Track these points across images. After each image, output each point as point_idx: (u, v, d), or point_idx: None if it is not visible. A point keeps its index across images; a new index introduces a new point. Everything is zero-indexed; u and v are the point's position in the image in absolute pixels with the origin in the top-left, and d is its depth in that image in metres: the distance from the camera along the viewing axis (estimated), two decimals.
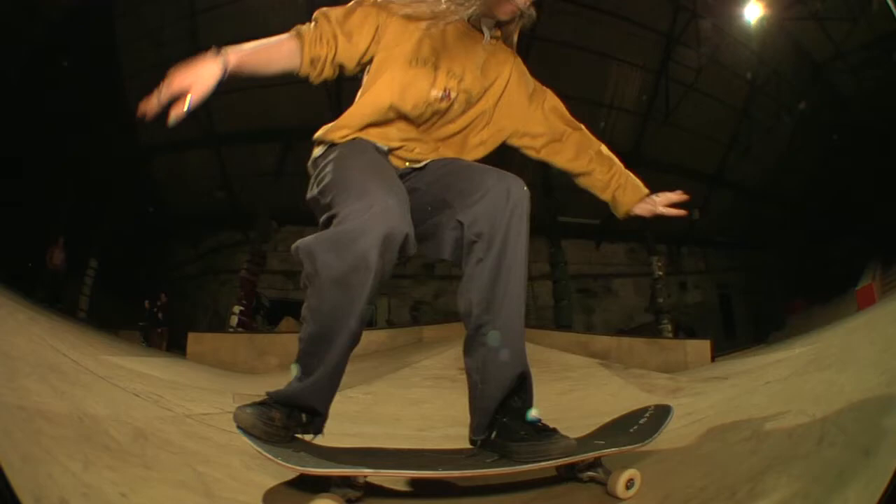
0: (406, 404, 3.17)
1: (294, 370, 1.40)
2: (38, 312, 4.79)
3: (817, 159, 6.95)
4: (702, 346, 6.40)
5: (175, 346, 6.90)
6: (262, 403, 1.38)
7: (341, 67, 1.55)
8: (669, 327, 7.09)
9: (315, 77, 1.54)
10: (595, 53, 7.81)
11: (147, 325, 7.06)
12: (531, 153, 1.72)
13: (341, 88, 7.91)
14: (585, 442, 1.54)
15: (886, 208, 5.68)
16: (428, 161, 1.56)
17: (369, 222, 1.23)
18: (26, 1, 5.83)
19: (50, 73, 6.06)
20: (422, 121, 1.54)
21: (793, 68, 7.06)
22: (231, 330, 6.98)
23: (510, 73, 1.63)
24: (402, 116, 1.52)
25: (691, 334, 7.39)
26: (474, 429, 1.48)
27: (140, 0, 6.89)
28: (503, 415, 1.44)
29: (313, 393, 1.38)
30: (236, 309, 7.05)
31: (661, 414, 1.69)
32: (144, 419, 2.17)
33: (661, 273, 7.25)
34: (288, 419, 1.37)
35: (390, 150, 1.55)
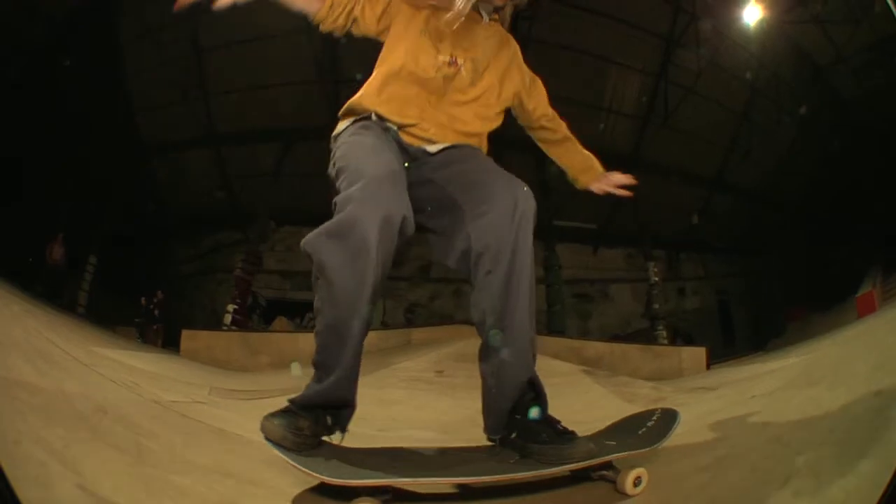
0: (375, 404, 3.14)
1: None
2: (36, 307, 4.85)
3: (818, 163, 6.82)
4: (697, 354, 6.28)
5: (171, 344, 6.95)
6: (287, 412, 1.40)
7: (354, 22, 1.65)
8: (665, 334, 6.99)
9: (329, 22, 1.62)
10: (595, 56, 7.78)
11: (143, 322, 7.14)
12: (527, 128, 1.85)
13: (339, 90, 8.00)
14: (598, 443, 1.55)
15: (888, 214, 5.56)
16: (442, 147, 1.61)
17: (367, 208, 1.29)
18: (27, 0, 5.95)
19: (50, 72, 6.17)
20: (434, 87, 1.61)
21: (793, 71, 6.95)
22: (225, 328, 7.03)
23: (512, 53, 1.75)
24: (416, 82, 1.60)
25: (689, 341, 7.28)
26: (491, 428, 1.54)
27: (141, 0, 6.98)
28: (522, 416, 1.50)
29: (340, 385, 1.40)
30: (230, 307, 7.10)
31: (668, 418, 1.70)
32: (112, 399, 2.26)
33: (656, 279, 7.16)
34: (316, 426, 1.40)
35: (404, 127, 1.59)
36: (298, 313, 8.08)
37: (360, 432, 2.52)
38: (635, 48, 7.66)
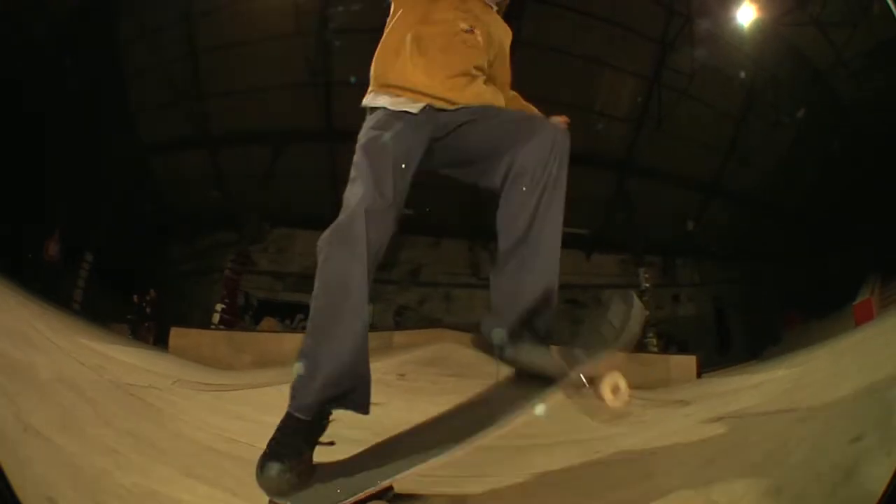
0: None
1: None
2: (33, 301, 4.94)
3: (817, 167, 6.61)
4: (687, 362, 6.09)
5: (162, 342, 7.01)
6: (268, 459, 1.34)
7: None
8: (655, 341, 6.79)
9: None
10: (590, 60, 7.71)
11: (135, 319, 7.23)
12: None
13: (331, 94, 8.07)
14: (568, 356, 1.54)
15: (887, 219, 5.36)
16: (461, 105, 1.66)
17: (359, 206, 1.45)
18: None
19: (52, 71, 6.34)
20: (454, 50, 1.70)
21: (792, 74, 6.76)
22: (213, 327, 7.08)
23: (508, 37, 1.92)
24: (439, 45, 1.69)
25: (684, 348, 7.09)
26: (503, 325, 1.58)
27: (141, 1, 7.15)
28: (529, 324, 1.55)
29: (340, 355, 1.40)
30: (219, 307, 7.17)
31: (625, 308, 1.63)
32: (74, 376, 2.49)
33: (647, 285, 6.98)
34: (300, 457, 1.35)
35: (425, 89, 1.65)
36: (289, 314, 8.11)
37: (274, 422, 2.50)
38: (631, 52, 7.58)
